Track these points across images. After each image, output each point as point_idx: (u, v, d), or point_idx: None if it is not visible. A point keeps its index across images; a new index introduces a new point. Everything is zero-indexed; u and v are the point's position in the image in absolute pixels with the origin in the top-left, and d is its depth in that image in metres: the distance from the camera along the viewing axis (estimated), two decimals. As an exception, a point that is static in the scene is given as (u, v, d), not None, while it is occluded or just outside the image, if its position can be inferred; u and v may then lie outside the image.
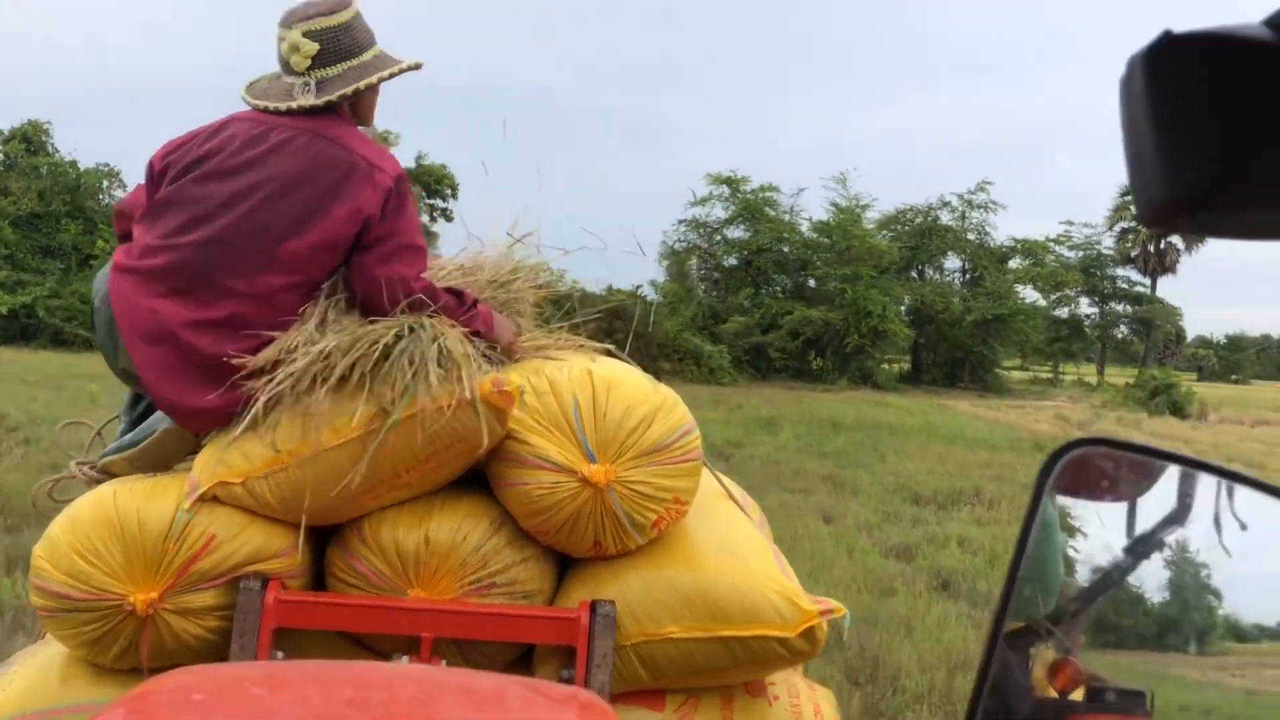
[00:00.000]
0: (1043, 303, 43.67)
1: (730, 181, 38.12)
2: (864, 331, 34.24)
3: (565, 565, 2.21)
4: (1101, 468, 1.15)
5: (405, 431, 1.96)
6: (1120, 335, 51.88)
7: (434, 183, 40.96)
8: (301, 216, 2.07)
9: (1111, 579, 1.26)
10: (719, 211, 38.97)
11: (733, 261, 39.11)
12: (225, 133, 2.15)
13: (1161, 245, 48.24)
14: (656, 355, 30.48)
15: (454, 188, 41.29)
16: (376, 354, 1.98)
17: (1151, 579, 1.25)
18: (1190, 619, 1.26)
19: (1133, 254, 49.55)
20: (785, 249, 38.30)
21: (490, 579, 2.06)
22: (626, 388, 2.11)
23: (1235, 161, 0.60)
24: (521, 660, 2.14)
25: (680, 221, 39.74)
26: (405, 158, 40.11)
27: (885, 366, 37.70)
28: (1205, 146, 0.61)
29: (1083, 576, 1.28)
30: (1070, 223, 47.94)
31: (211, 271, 2.06)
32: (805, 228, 38.78)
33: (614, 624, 2.00)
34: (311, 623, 2.03)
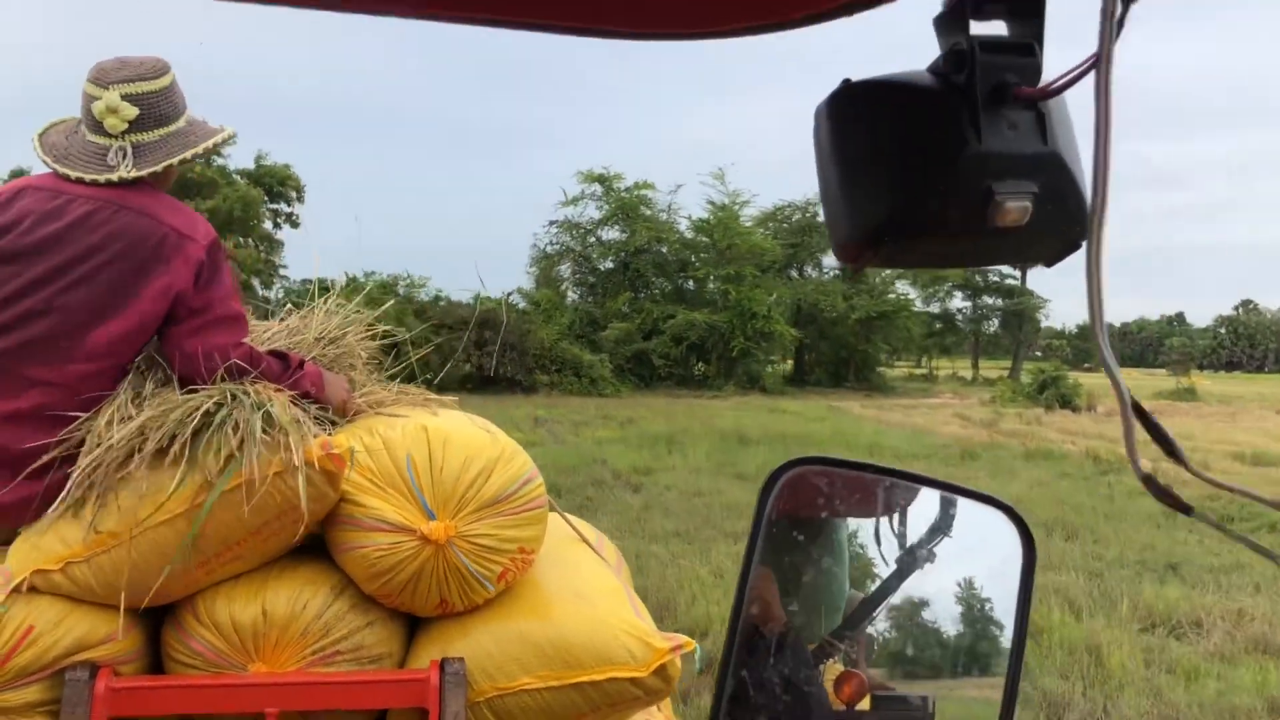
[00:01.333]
0: (916, 298, 45.33)
1: (603, 179, 38.31)
2: (749, 334, 34.89)
3: (414, 625, 2.30)
4: (816, 484, 1.33)
5: (233, 503, 2.01)
6: (990, 329, 54.56)
7: (277, 184, 39.86)
8: (108, 300, 2.10)
9: (885, 592, 1.43)
10: (592, 211, 39.18)
11: (609, 264, 39.31)
12: (18, 205, 2.16)
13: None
14: (533, 366, 30.46)
15: (299, 190, 40.37)
16: (195, 423, 2.03)
17: (921, 588, 1.44)
18: (962, 633, 1.46)
19: (1004, 246, 52.09)
20: (664, 249, 38.71)
21: (334, 647, 2.12)
22: (463, 440, 2.20)
23: (906, 198, 0.69)
24: (374, 726, 2.21)
25: (552, 223, 39.77)
26: (243, 158, 38.94)
27: (770, 369, 38.45)
28: (881, 185, 0.70)
29: (863, 592, 1.47)
30: None
31: (13, 362, 2.07)
32: (684, 227, 39.30)
33: (464, 681, 2.10)
34: (147, 709, 2.06)
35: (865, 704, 1.35)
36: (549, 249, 40.06)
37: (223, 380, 2.12)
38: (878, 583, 1.48)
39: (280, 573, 2.16)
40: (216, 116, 2.36)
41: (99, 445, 2.03)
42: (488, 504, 2.15)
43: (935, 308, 48.97)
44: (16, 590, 2.00)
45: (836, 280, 41.61)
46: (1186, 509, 0.71)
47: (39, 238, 2.12)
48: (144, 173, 2.18)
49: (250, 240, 36.80)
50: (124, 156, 2.18)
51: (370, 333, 2.63)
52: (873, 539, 1.51)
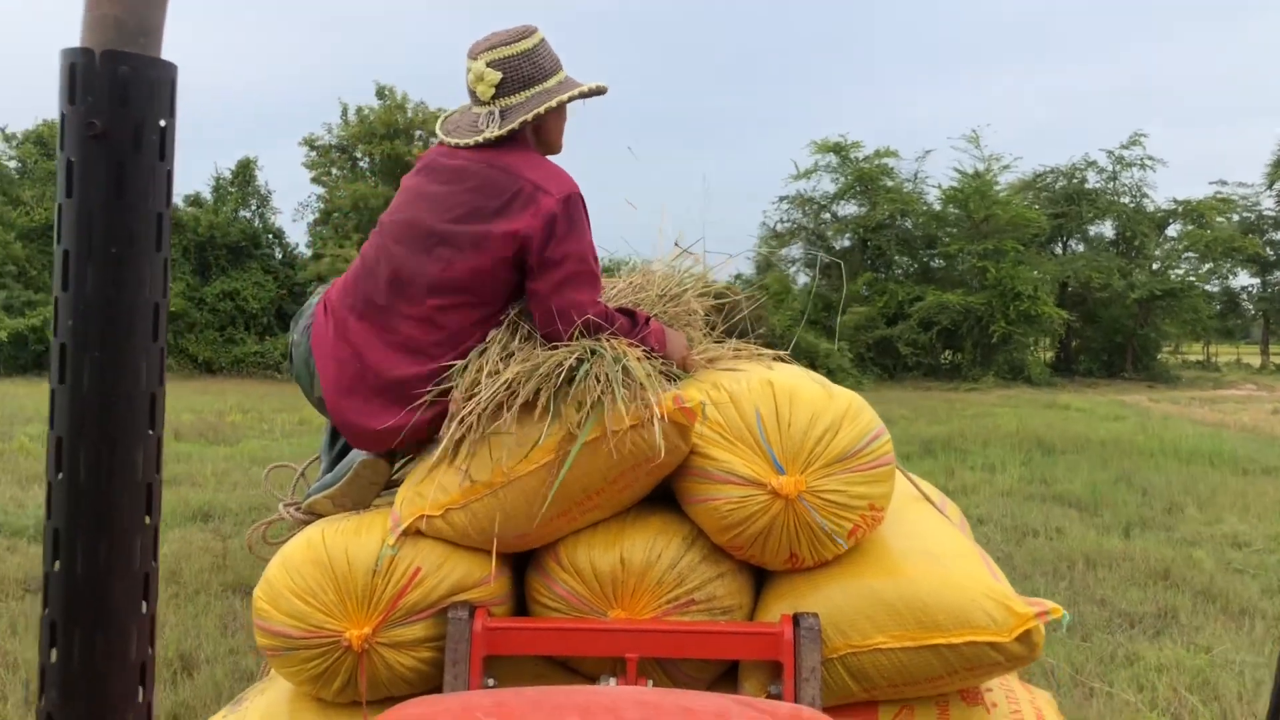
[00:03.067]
0: (1198, 274, 41.77)
1: (839, 149, 37.62)
2: (1012, 317, 33.51)
3: (761, 578, 2.51)
4: None
5: (593, 453, 2.28)
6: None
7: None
8: (466, 243, 2.43)
9: None
10: (827, 185, 38.65)
11: (845, 242, 38.73)
12: (422, 163, 2.59)
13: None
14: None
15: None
16: (561, 378, 2.31)
17: None
18: None
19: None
20: (908, 224, 37.77)
21: (688, 596, 2.36)
22: (809, 395, 2.38)
23: None
24: (725, 677, 2.43)
25: (782, 199, 39.43)
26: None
27: (1031, 356, 36.74)
28: None
29: None
30: (1223, 182, 46.27)
31: (387, 297, 2.47)
32: (932, 198, 38.13)
33: (819, 636, 2.27)
34: (519, 648, 2.36)
35: None
36: (779, 227, 39.82)
37: (580, 336, 2.39)
38: None
39: (635, 522, 2.42)
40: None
41: (471, 398, 2.34)
42: (836, 460, 2.33)
43: (1214, 286, 45.05)
44: (405, 534, 2.34)
45: (1111, 255, 39.51)
46: None
47: (422, 193, 2.52)
48: (500, 132, 2.48)
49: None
50: (493, 119, 2.49)
51: (706, 290, 2.86)
52: None
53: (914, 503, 2.69)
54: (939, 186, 37.88)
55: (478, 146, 2.50)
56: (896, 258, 38.00)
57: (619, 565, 2.36)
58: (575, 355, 2.35)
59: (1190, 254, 40.51)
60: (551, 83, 2.52)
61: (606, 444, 2.26)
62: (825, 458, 2.32)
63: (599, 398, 2.27)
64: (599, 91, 2.57)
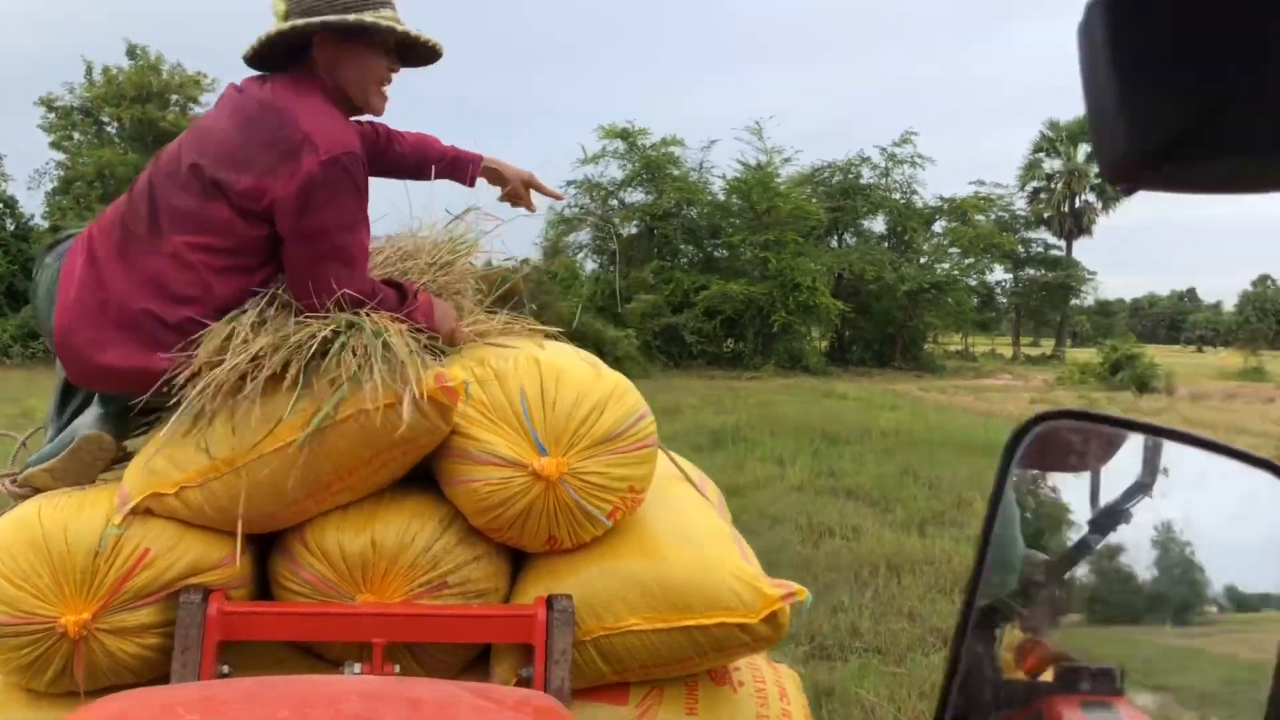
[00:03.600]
0: (958, 269, 44.56)
1: (626, 135, 38.02)
2: (792, 307, 34.64)
3: (519, 561, 2.48)
4: (1069, 441, 1.29)
5: (346, 432, 2.19)
6: (1031, 303, 54.97)
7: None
8: (209, 184, 2.28)
9: (1078, 554, 1.38)
10: (615, 171, 38.94)
11: (633, 229, 39.12)
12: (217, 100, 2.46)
13: (1077, 205, 52.37)
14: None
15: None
16: (313, 350, 2.21)
17: (1123, 551, 1.36)
18: (1167, 591, 1.37)
19: (1046, 215, 52.93)
20: (693, 213, 38.50)
21: (441, 579, 2.31)
22: (576, 375, 2.36)
23: (1206, 108, 0.61)
24: (478, 661, 2.39)
25: (569, 183, 39.45)
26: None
27: (811, 346, 38.19)
28: (1172, 93, 0.63)
29: (1047, 552, 1.40)
30: (980, 182, 49.84)
31: (145, 229, 2.30)
32: (717, 188, 39.00)
33: (572, 619, 2.26)
34: (257, 634, 2.25)
35: (1048, 675, 1.31)
36: (566, 213, 39.80)
37: (340, 309, 2.28)
38: (1065, 539, 1.40)
39: (389, 504, 2.34)
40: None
41: (215, 368, 2.21)
42: (600, 441, 2.31)
43: (973, 280, 48.29)
44: (133, 512, 2.19)
45: (884, 249, 41.38)
46: None
47: (200, 126, 2.43)
48: (247, 54, 2.39)
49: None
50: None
51: (479, 260, 2.80)
52: (1063, 491, 1.43)
53: (674, 482, 2.72)
54: (724, 177, 38.78)
55: (272, 83, 2.37)
56: (682, 246, 38.66)
57: (370, 548, 2.28)
58: (331, 327, 2.25)
59: (954, 249, 42.99)
60: (351, 17, 2.33)
61: (360, 422, 2.18)
62: (589, 439, 2.31)
63: (355, 373, 2.19)
64: (403, 37, 2.43)
